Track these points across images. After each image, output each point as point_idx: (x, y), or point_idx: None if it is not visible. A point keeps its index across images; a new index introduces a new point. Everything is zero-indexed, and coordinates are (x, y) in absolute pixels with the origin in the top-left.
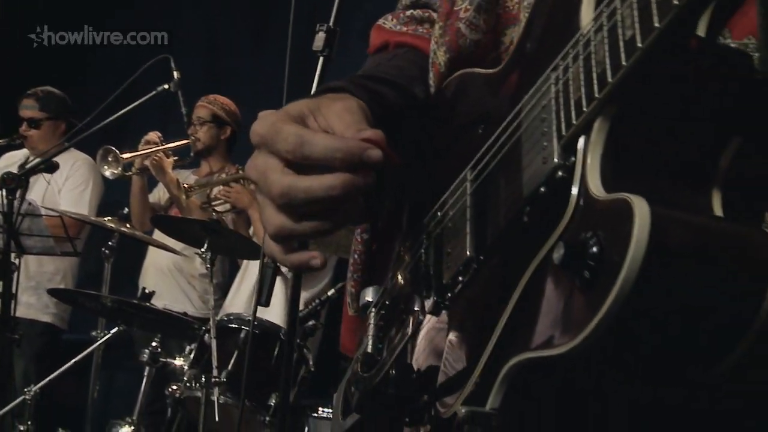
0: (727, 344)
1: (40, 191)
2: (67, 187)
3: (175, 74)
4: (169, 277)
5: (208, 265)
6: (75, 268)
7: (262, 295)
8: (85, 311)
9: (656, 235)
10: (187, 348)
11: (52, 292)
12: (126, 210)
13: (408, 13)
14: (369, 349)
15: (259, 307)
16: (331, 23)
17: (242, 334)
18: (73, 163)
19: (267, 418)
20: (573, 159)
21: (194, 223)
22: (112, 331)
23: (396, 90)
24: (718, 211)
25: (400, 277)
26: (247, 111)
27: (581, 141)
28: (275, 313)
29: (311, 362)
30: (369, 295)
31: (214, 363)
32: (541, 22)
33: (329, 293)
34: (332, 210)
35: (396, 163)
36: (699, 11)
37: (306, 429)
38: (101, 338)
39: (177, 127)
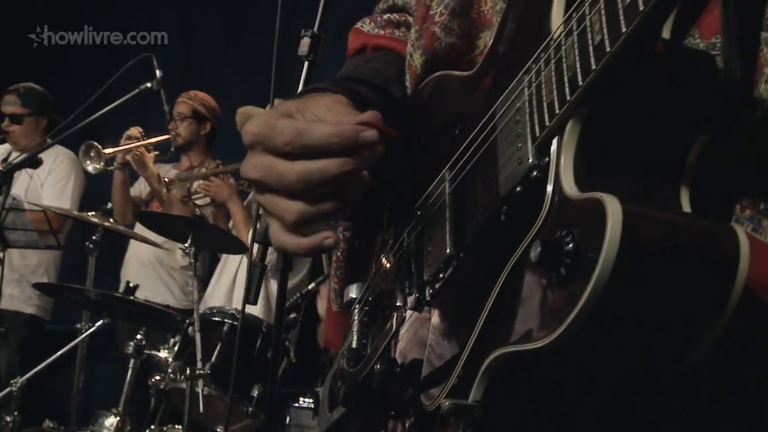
0: (696, 336)
1: (22, 185)
2: (50, 182)
3: (158, 73)
4: (150, 269)
5: (192, 260)
6: (57, 261)
7: (250, 294)
8: (70, 304)
9: (628, 233)
10: (171, 340)
11: (39, 286)
12: (109, 205)
13: (385, 17)
14: (354, 345)
15: (239, 300)
16: (315, 29)
17: (225, 327)
18: (55, 158)
19: (250, 409)
20: (547, 159)
21: (178, 219)
22: (97, 324)
23: (374, 90)
24: (686, 206)
25: (382, 273)
26: (226, 107)
27: (555, 142)
28: (256, 306)
29: (292, 354)
30: (353, 292)
31: (199, 356)
32: (513, 26)
33: (309, 287)
34: (345, 188)
35: (394, 136)
36: (664, 16)
37: (287, 418)
38: (86, 331)
39: (157, 122)
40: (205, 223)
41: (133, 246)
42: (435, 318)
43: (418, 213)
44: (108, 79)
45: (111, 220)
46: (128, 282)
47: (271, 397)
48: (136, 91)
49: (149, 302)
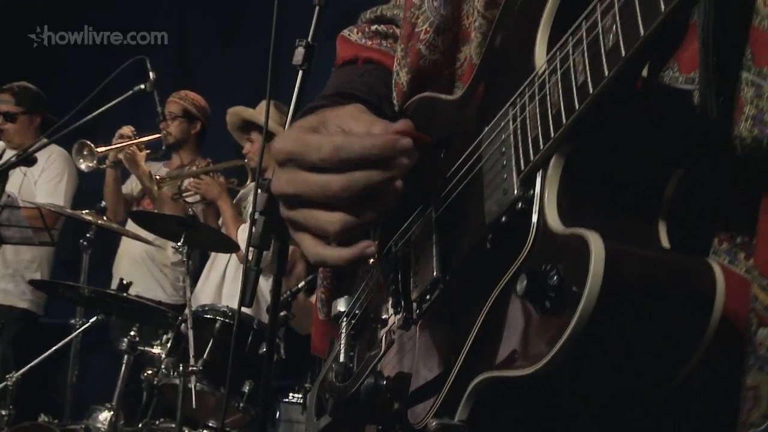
0: (675, 367)
1: (16, 182)
2: (43, 179)
3: (151, 75)
4: (142, 265)
5: (184, 259)
6: (51, 256)
7: (246, 296)
8: (64, 301)
9: (610, 269)
10: (164, 337)
11: (34, 283)
12: (103, 203)
13: (373, 28)
14: (341, 358)
15: (227, 296)
16: (309, 39)
17: (217, 325)
18: (48, 156)
19: (241, 404)
20: (532, 192)
21: (170, 219)
22: (91, 320)
23: (369, 108)
24: (664, 240)
25: (369, 288)
26: (216, 107)
27: (539, 175)
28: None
29: (282, 351)
30: (341, 306)
31: (191, 352)
32: (498, 55)
33: (300, 285)
34: (384, 196)
35: (428, 142)
36: (645, 60)
37: (277, 413)
38: (80, 327)
39: (149, 121)
40: (197, 222)
41: (125, 243)
42: (422, 336)
43: (406, 233)
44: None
45: (104, 218)
46: (122, 279)
47: (264, 398)
48: (130, 92)
49: (141, 298)
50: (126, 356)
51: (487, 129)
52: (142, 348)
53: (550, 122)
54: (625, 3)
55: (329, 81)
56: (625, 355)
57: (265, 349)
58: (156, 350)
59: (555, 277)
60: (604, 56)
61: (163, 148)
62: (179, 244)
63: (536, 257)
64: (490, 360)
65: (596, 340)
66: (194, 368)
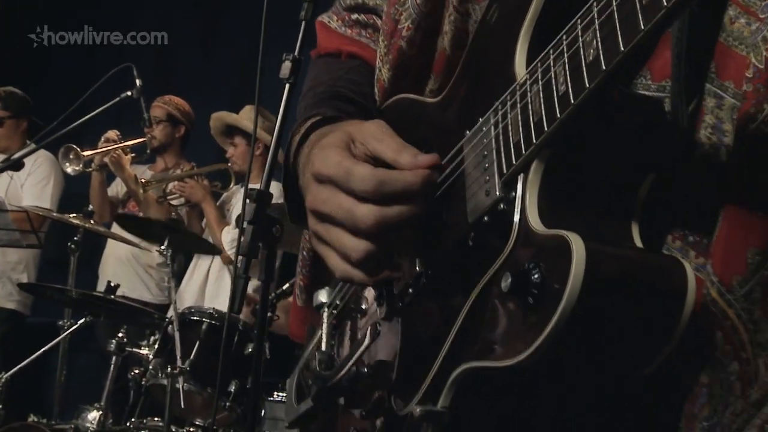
0: (648, 357)
1: (3, 186)
2: (30, 182)
3: (138, 82)
4: (127, 266)
5: (169, 262)
6: (37, 258)
7: (235, 304)
8: (52, 303)
9: (590, 269)
10: (152, 338)
11: (23, 287)
12: (90, 207)
13: (354, 17)
14: (323, 347)
15: (210, 297)
16: (296, 53)
17: (204, 326)
18: (35, 160)
19: (227, 403)
20: (513, 194)
21: (156, 223)
22: (80, 322)
23: (358, 108)
24: (637, 239)
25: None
26: (199, 111)
27: (520, 179)
28: (226, 302)
29: (267, 350)
30: (323, 297)
31: (178, 353)
32: (478, 61)
33: (284, 287)
34: (408, 229)
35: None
36: (625, 72)
37: (263, 411)
38: (68, 328)
39: (134, 125)
40: (181, 226)
41: (111, 244)
42: (405, 327)
43: None
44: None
45: (92, 221)
46: (109, 282)
47: (254, 398)
48: (117, 99)
49: (126, 298)
50: (114, 357)
51: (469, 133)
52: (129, 349)
53: (532, 129)
54: (606, 19)
55: (312, 71)
56: (601, 348)
57: (250, 350)
58: (143, 351)
59: (537, 275)
60: (584, 69)
61: (148, 151)
62: (163, 247)
63: (518, 255)
64: (473, 350)
65: (575, 335)
66: (182, 368)
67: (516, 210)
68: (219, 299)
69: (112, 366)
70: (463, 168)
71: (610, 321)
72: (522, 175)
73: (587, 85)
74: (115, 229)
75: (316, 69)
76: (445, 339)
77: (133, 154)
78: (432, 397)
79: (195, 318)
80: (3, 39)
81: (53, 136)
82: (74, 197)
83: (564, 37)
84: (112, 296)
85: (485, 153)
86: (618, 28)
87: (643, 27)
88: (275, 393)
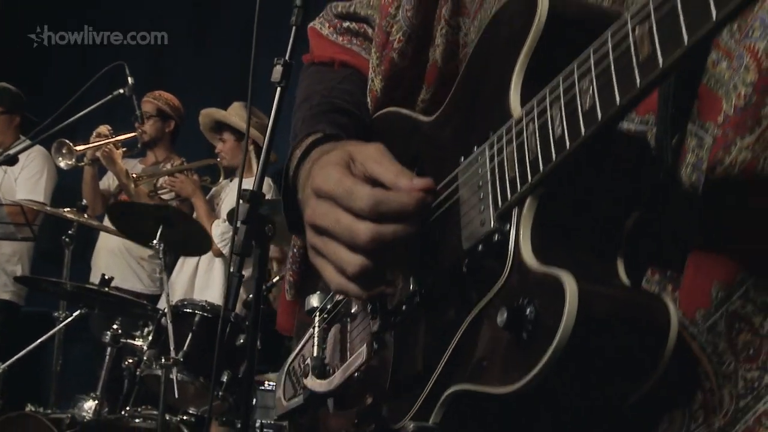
0: (634, 387)
1: None
2: (24, 176)
3: (130, 80)
4: (120, 258)
5: (161, 257)
6: (31, 250)
7: (229, 301)
8: (47, 295)
9: (583, 308)
10: (145, 329)
11: (18, 279)
12: (84, 202)
13: (345, 24)
14: (315, 352)
15: (200, 288)
16: (287, 57)
17: (196, 318)
18: (28, 154)
19: (220, 393)
20: (508, 227)
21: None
22: (75, 314)
23: (353, 119)
24: (623, 275)
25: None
26: (189, 105)
27: (515, 213)
28: (215, 292)
29: (258, 341)
30: (315, 301)
31: (172, 345)
32: (472, 87)
33: (274, 280)
34: (402, 246)
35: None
36: (619, 120)
37: (254, 400)
38: (64, 320)
39: (125, 120)
40: (172, 216)
41: (104, 236)
42: (398, 342)
43: None
44: (113, 84)
45: (85, 215)
46: (104, 275)
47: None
48: (110, 97)
49: (119, 289)
50: (109, 348)
51: (465, 163)
52: (124, 341)
53: (528, 167)
54: (603, 71)
55: (306, 79)
56: (590, 379)
57: (242, 341)
58: (138, 342)
59: (531, 312)
60: (581, 116)
61: (139, 146)
62: (155, 242)
63: (512, 288)
64: (465, 373)
65: (566, 367)
66: (175, 359)
67: (510, 243)
68: (209, 290)
69: (107, 357)
70: (459, 196)
71: (600, 355)
72: (516, 209)
73: (583, 133)
74: (108, 222)
75: (309, 77)
76: (438, 359)
77: (124, 149)
78: (424, 414)
79: (188, 310)
80: (3, 39)
81: (48, 132)
82: (67, 191)
83: (561, 80)
84: (107, 289)
85: (480, 183)
86: (615, 82)
87: (639, 85)
88: (266, 382)
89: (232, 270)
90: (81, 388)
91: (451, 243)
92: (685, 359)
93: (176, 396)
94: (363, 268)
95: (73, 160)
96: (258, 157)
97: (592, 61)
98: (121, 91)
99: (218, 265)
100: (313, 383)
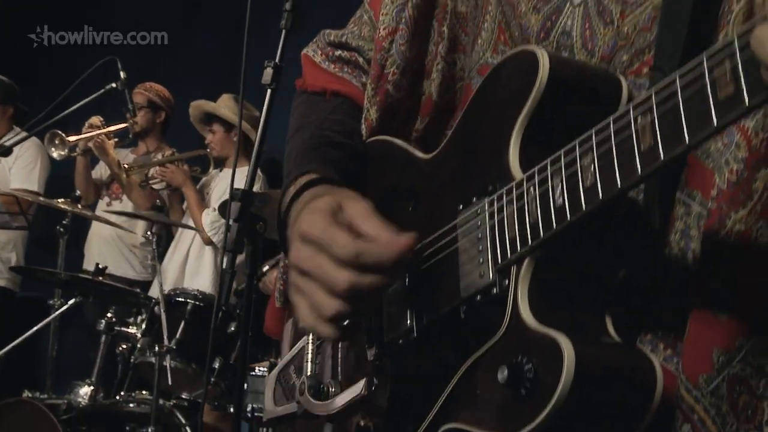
0: None
1: None
2: (18, 166)
3: (122, 74)
4: (112, 245)
5: (153, 247)
6: (25, 238)
7: (222, 296)
8: (43, 284)
9: (579, 368)
10: (139, 318)
11: (13, 269)
12: (77, 192)
13: (337, 53)
14: (309, 371)
15: (191, 274)
16: (277, 60)
17: (189, 307)
18: (22, 145)
19: (212, 379)
20: (507, 283)
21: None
22: (69, 302)
23: (345, 150)
24: (611, 330)
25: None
26: (179, 97)
27: (513, 271)
28: (205, 279)
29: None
30: None
31: (165, 333)
32: (471, 135)
33: (264, 269)
34: (377, 294)
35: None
36: (618, 200)
37: (246, 385)
38: (59, 308)
39: (117, 111)
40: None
41: (96, 224)
42: (396, 374)
43: None
44: (107, 78)
45: (79, 206)
46: (98, 264)
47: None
48: (103, 90)
49: (112, 276)
50: (103, 336)
51: (465, 214)
52: (118, 328)
53: (528, 230)
54: (604, 153)
55: (299, 107)
56: (584, 428)
57: (233, 328)
58: (131, 330)
59: (530, 370)
60: (582, 192)
61: (130, 136)
62: (150, 231)
63: (511, 344)
64: (461, 414)
65: (561, 419)
66: (168, 347)
67: (509, 300)
68: (199, 277)
69: (102, 344)
70: (458, 246)
71: (593, 408)
72: (515, 267)
73: (584, 208)
74: (100, 212)
75: (302, 106)
76: (435, 396)
77: (116, 139)
78: None
79: (180, 299)
80: (3, 39)
81: (43, 125)
82: (60, 180)
83: (563, 153)
84: (101, 278)
85: (480, 236)
86: (616, 166)
87: (640, 173)
88: (257, 367)
89: (224, 267)
90: (77, 373)
91: (449, 288)
92: (691, 421)
93: (170, 382)
94: (338, 312)
95: (66, 150)
96: (247, 148)
97: (594, 142)
98: (114, 84)
99: (208, 252)
100: (309, 403)
